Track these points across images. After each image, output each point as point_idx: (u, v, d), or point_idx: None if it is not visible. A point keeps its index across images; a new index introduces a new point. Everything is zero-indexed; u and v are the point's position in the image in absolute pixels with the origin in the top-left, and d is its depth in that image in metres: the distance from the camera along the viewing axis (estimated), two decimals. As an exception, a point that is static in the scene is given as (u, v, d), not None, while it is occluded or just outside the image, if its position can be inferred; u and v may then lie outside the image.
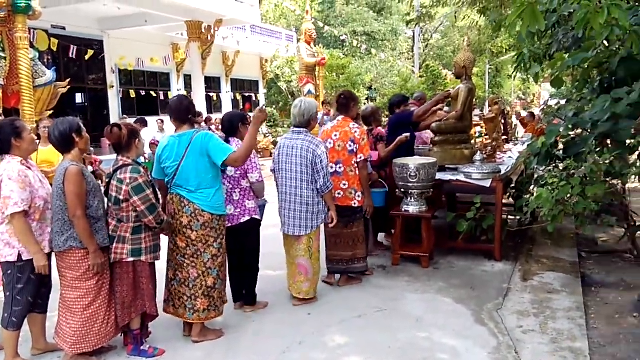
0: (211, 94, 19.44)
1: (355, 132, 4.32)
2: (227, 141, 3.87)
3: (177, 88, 18.18)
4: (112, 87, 15.47)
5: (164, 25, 15.40)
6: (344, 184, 4.34)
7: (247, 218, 3.88)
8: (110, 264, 3.24)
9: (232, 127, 3.96)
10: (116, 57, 15.19)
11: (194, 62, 15.30)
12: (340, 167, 4.34)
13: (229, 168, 3.74)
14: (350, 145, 4.30)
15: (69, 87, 8.55)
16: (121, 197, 3.17)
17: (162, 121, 11.34)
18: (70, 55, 12.89)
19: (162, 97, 16.92)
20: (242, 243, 3.93)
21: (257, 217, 3.96)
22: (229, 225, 3.79)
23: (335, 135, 4.36)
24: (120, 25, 14.63)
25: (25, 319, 3.23)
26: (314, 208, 4.02)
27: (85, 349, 3.17)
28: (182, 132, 3.46)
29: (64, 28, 13.34)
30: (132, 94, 15.65)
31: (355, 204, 4.36)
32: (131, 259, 3.24)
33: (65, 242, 3.09)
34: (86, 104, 16.10)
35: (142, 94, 16.26)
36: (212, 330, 3.62)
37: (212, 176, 3.45)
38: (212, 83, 20.38)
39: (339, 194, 4.33)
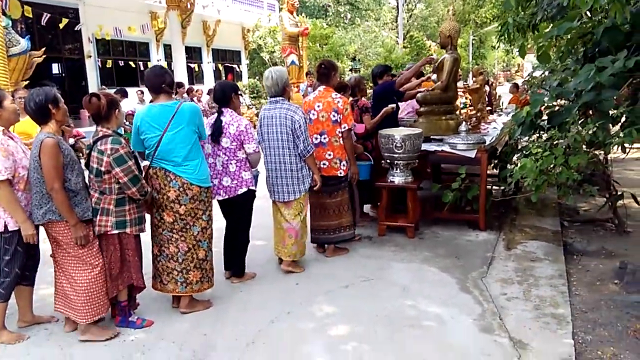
0: (192, 65, 19.06)
1: (338, 102, 4.30)
2: (220, 112, 3.85)
3: (157, 58, 17.78)
4: (90, 57, 15.07)
5: (142, -7, 14.97)
6: (329, 154, 4.34)
7: (244, 189, 3.87)
8: (96, 236, 3.20)
9: (225, 96, 3.90)
10: (93, 26, 14.74)
11: (174, 31, 14.96)
12: (324, 138, 4.32)
13: (224, 139, 3.74)
14: (334, 116, 4.28)
15: (44, 56, 8.30)
16: (102, 169, 3.10)
17: (142, 92, 11.12)
18: (45, 24, 12.46)
19: (141, 68, 16.55)
20: (238, 214, 3.92)
21: (253, 187, 3.96)
22: (226, 197, 3.78)
23: (318, 106, 4.32)
24: (97, -7, 14.18)
25: (12, 291, 3.20)
26: (299, 173, 4.06)
27: (97, 315, 3.17)
28: (162, 102, 3.38)
29: (37, -5, 12.86)
30: (110, 64, 15.27)
31: (340, 173, 4.38)
32: (116, 232, 3.20)
33: (44, 215, 3.04)
34: (63, 75, 15.70)
35: (121, 64, 15.89)
36: (200, 301, 3.63)
37: (197, 147, 3.42)
38: (193, 53, 19.99)
39: (324, 164, 4.32)
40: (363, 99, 5.32)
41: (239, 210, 3.93)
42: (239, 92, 4.06)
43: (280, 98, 4.06)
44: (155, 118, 3.34)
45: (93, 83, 15.03)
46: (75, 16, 14.29)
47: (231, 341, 3.14)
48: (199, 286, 3.51)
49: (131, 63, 16.37)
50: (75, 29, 13.49)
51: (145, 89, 13.18)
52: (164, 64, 17.71)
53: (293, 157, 4.03)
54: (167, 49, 17.14)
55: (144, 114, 3.40)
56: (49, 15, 12.21)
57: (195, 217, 3.42)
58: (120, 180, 3.11)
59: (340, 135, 4.33)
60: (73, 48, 15.06)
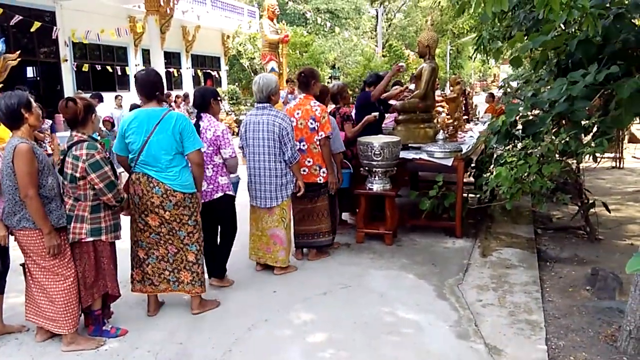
0: (171, 70, 18.91)
1: (316, 110, 4.34)
2: (199, 117, 3.84)
3: (134, 63, 17.59)
4: (66, 60, 14.82)
5: (120, -3, 14.82)
6: (309, 161, 4.37)
7: (220, 194, 3.86)
8: (70, 244, 3.14)
9: (204, 102, 3.89)
10: (69, 29, 14.52)
11: (153, 36, 14.82)
12: (304, 145, 4.34)
13: (202, 143, 3.68)
14: (311, 123, 4.32)
15: (19, 59, 8.14)
16: (77, 175, 3.04)
17: (121, 97, 10.98)
18: (20, 27, 12.22)
19: (119, 72, 16.35)
20: (216, 219, 3.92)
21: (231, 192, 3.95)
22: (203, 201, 3.76)
23: (298, 114, 4.36)
24: (74, -4, 13.99)
25: None
26: (283, 179, 4.09)
27: (77, 324, 3.12)
28: (151, 107, 3.35)
29: (12, -3, 12.63)
30: (87, 68, 15.05)
31: (320, 180, 4.42)
32: (90, 239, 3.13)
33: (19, 222, 2.97)
34: (38, 78, 15.38)
35: (98, 68, 15.66)
36: (209, 301, 3.66)
37: (180, 155, 3.37)
38: (172, 58, 19.83)
39: (304, 170, 4.35)
40: (345, 107, 5.36)
41: (217, 215, 3.92)
42: (219, 98, 4.05)
43: (268, 105, 4.09)
44: (141, 123, 3.30)
45: (69, 87, 14.79)
46: (51, 19, 14.07)
47: (208, 349, 3.10)
48: (190, 287, 3.50)
49: (108, 67, 16.15)
50: (53, 36, 13.25)
51: (123, 94, 13.05)
52: (144, 68, 17.57)
53: (278, 164, 4.06)
54: (146, 54, 16.96)
55: (131, 118, 3.36)
56: (20, 17, 11.95)
57: (180, 223, 3.39)
58: (95, 187, 3.05)
59: (318, 143, 4.35)
60: (49, 51, 14.80)
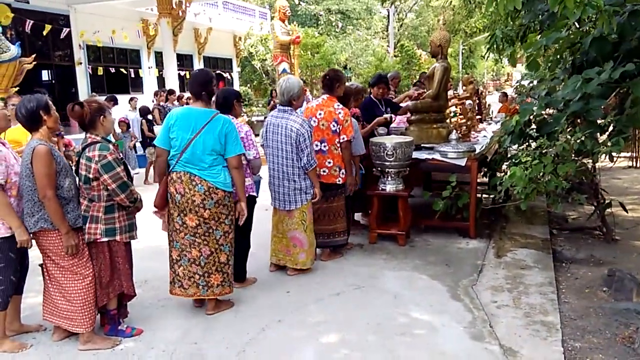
0: (183, 72, 19.05)
1: (339, 113, 4.34)
2: None
3: (148, 65, 17.74)
4: (80, 63, 14.98)
5: (133, 0, 14.92)
6: (329, 162, 4.39)
7: None
8: (86, 244, 3.18)
9: (227, 103, 3.93)
10: (84, 33, 14.69)
11: (165, 38, 14.91)
12: (325, 146, 4.37)
13: (243, 149, 3.73)
14: (333, 126, 4.34)
15: (34, 63, 8.24)
16: (91, 176, 3.08)
17: (136, 99, 11.06)
18: (35, 31, 12.39)
19: (132, 75, 16.50)
20: (237, 220, 3.92)
21: (253, 193, 3.99)
22: None
23: (320, 114, 4.37)
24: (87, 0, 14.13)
25: (9, 299, 3.16)
26: (301, 184, 4.11)
27: (94, 323, 3.17)
28: (200, 107, 3.42)
29: (27, 2, 12.80)
30: (101, 71, 15.20)
31: (339, 181, 4.44)
32: (105, 239, 3.17)
33: (36, 223, 3.01)
34: (53, 81, 15.58)
35: (112, 71, 15.82)
36: (224, 301, 3.70)
37: (220, 157, 3.43)
38: (184, 60, 19.96)
39: (324, 171, 4.37)
40: (355, 108, 5.35)
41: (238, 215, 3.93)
42: (241, 100, 4.09)
43: (289, 108, 4.11)
44: (189, 120, 3.37)
45: (83, 90, 14.95)
46: (65, 23, 14.24)
47: (222, 349, 3.12)
48: (219, 289, 3.53)
49: (122, 70, 16.30)
50: (61, 35, 13.42)
51: (138, 96, 13.18)
52: (155, 71, 17.69)
53: (296, 169, 4.08)
54: (159, 56, 17.09)
55: (179, 113, 3.45)
56: (32, 22, 12.11)
57: (218, 222, 3.44)
58: (108, 187, 3.08)
59: (339, 144, 4.37)
60: (63, 55, 14.97)
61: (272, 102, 14.26)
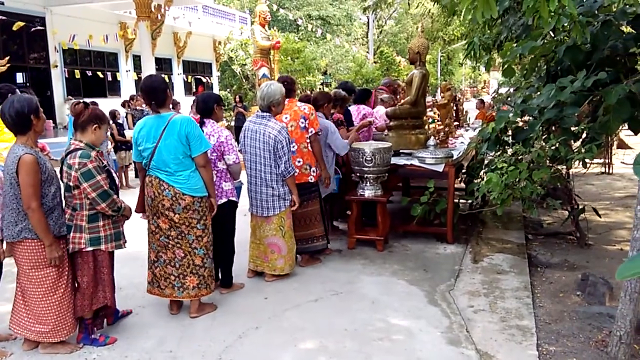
0: (162, 76, 18.91)
1: (304, 108, 4.39)
2: (202, 122, 3.86)
3: (125, 69, 17.54)
4: (56, 66, 14.75)
5: (111, 3, 14.76)
6: (299, 161, 4.40)
7: (224, 200, 3.87)
8: (69, 254, 3.11)
9: (207, 108, 3.91)
10: (60, 35, 14.45)
11: (144, 42, 14.78)
12: (293, 146, 4.37)
13: (209, 144, 3.70)
14: (302, 122, 4.36)
15: (8, 65, 8.07)
16: (71, 184, 3.02)
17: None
18: (10, 32, 12.15)
19: (109, 78, 16.28)
20: (219, 224, 3.88)
21: (234, 199, 3.96)
22: None
23: (286, 118, 4.38)
24: (64, 2, 13.93)
25: None
26: (279, 190, 4.09)
27: (66, 335, 3.10)
28: (158, 114, 3.41)
29: (2, 3, 12.56)
30: (78, 74, 14.97)
31: (311, 179, 4.45)
32: (90, 249, 3.09)
33: (19, 233, 2.92)
34: (27, 84, 15.27)
35: (89, 74, 15.59)
36: (207, 304, 3.69)
37: (189, 159, 3.40)
38: (163, 64, 19.81)
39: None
40: (337, 114, 5.41)
41: (220, 220, 3.89)
42: (222, 104, 4.06)
43: (268, 114, 4.09)
44: (149, 130, 3.39)
45: (59, 93, 14.72)
46: (42, 25, 14.01)
47: (198, 358, 3.07)
48: (195, 292, 3.52)
49: (99, 73, 16.08)
50: (37, 38, 13.19)
51: (114, 100, 12.98)
52: (133, 75, 17.49)
53: (274, 175, 4.06)
54: (137, 60, 16.93)
55: (140, 126, 3.46)
56: (15, 23, 11.88)
57: (189, 226, 3.43)
58: (88, 196, 3.01)
59: (308, 140, 4.39)
60: (38, 57, 14.72)
61: (236, 109, 14.28)
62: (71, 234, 3.07)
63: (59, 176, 3.10)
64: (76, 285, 3.18)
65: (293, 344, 3.20)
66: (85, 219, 3.06)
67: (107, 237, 3.13)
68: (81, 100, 3.16)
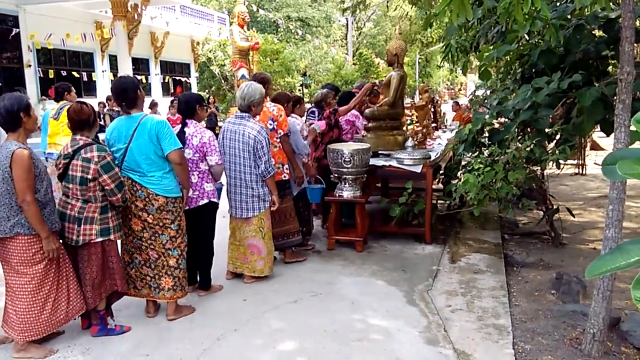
0: (139, 76, 18.63)
1: (273, 110, 4.39)
2: (184, 123, 3.83)
3: (101, 69, 17.27)
4: (30, 66, 14.43)
5: (86, 2, 14.51)
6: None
7: (205, 201, 3.84)
8: (73, 246, 3.17)
9: (189, 108, 3.88)
10: (33, 34, 14.15)
11: (120, 42, 14.52)
12: None
13: (187, 150, 3.71)
14: (270, 124, 4.36)
15: (-21, 64, 7.87)
16: (89, 177, 3.09)
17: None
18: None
19: (85, 78, 16.00)
20: (199, 226, 3.87)
21: (215, 200, 3.93)
22: (187, 207, 3.74)
23: (256, 117, 4.36)
24: (37, 0, 13.64)
25: None
26: (259, 191, 4.08)
27: (34, 336, 3.05)
28: (129, 115, 3.41)
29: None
30: (52, 74, 14.68)
31: (284, 177, 4.48)
32: (100, 239, 3.18)
33: (12, 228, 2.91)
34: (0, 84, 14.94)
35: (64, 74, 15.30)
36: (185, 306, 3.67)
37: (161, 159, 3.39)
38: (140, 64, 19.53)
39: None
40: (327, 110, 5.47)
41: (200, 221, 3.87)
42: (204, 104, 4.03)
43: (247, 115, 4.07)
44: (120, 131, 3.39)
45: (33, 93, 14.39)
46: (14, 24, 13.70)
47: (175, 361, 3.04)
48: (171, 293, 3.51)
49: (74, 73, 15.79)
50: (9, 37, 12.92)
51: (90, 100, 12.78)
52: (110, 75, 17.23)
53: (253, 176, 4.04)
54: (113, 60, 16.65)
55: (112, 128, 3.45)
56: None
57: (163, 227, 3.42)
58: (106, 187, 3.13)
59: (278, 141, 4.40)
60: (11, 57, 14.38)
61: (209, 110, 14.12)
62: (81, 227, 3.14)
63: (62, 172, 3.18)
64: (80, 279, 3.22)
65: (272, 345, 3.19)
66: (98, 210, 3.17)
67: (114, 228, 3.26)
68: (81, 101, 3.22)
